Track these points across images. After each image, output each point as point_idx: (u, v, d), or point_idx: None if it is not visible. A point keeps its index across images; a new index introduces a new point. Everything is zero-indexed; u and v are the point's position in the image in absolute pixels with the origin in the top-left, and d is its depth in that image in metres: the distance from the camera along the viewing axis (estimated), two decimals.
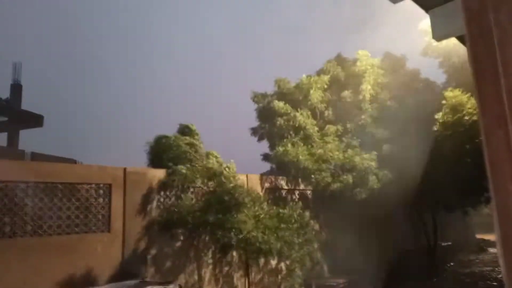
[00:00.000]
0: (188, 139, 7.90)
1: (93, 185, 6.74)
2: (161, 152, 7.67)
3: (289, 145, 10.11)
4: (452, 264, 14.41)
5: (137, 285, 5.81)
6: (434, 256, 13.43)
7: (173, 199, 7.63)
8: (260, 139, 12.31)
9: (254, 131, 12.24)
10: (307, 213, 8.77)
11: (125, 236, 6.86)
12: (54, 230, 6.20)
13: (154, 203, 7.41)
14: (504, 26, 0.91)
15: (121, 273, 6.58)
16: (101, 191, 6.83)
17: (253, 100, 12.13)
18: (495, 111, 0.92)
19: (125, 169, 7.13)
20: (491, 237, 22.00)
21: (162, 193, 7.56)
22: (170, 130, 8.42)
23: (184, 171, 7.28)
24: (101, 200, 6.79)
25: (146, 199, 7.29)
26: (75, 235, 6.37)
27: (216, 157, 8.03)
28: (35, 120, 24.41)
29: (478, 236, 21.83)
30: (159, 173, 7.50)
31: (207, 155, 8.01)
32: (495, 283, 11.20)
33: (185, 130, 8.30)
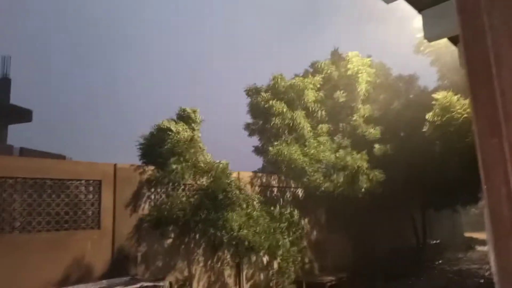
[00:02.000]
0: (185, 128, 7.54)
1: (83, 181, 6.68)
2: (153, 148, 7.52)
3: (283, 145, 10.09)
4: (440, 262, 14.60)
5: (127, 282, 5.78)
6: (423, 254, 13.61)
7: (164, 196, 7.59)
8: (251, 134, 12.29)
9: (246, 126, 12.22)
10: (297, 212, 8.80)
11: (115, 233, 6.81)
12: (43, 227, 6.13)
13: (145, 200, 7.36)
14: (497, 28, 0.92)
15: (111, 270, 6.54)
16: (91, 188, 6.76)
17: (247, 94, 12.12)
18: (489, 114, 0.93)
19: (115, 165, 7.07)
20: (478, 235, 22.35)
21: (153, 189, 7.51)
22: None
23: (174, 167, 7.13)
24: (90, 196, 6.73)
25: (137, 196, 7.24)
26: (64, 231, 6.30)
27: (202, 150, 7.78)
28: (24, 115, 24.09)
29: (466, 234, 22.16)
30: (150, 170, 7.45)
31: (198, 145, 7.72)
32: (482, 281, 11.37)
33: (184, 116, 7.82)
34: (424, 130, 9.69)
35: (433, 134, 9.65)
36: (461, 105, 9.09)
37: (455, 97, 9.23)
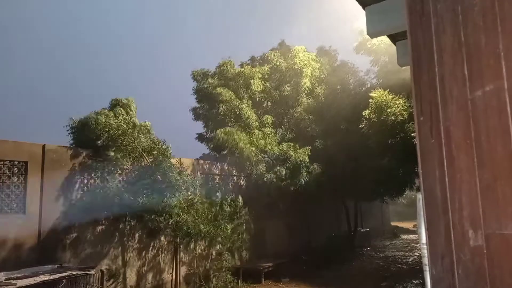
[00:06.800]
0: (122, 114, 7.21)
1: (7, 162, 6.10)
2: (88, 131, 7.04)
3: (233, 131, 10.02)
4: (369, 249, 15.59)
5: (54, 270, 5.41)
6: (353, 242, 14.43)
7: (98, 180, 7.19)
8: (196, 119, 12.11)
9: (193, 110, 12.08)
10: (239, 200, 8.84)
11: (42, 218, 6.33)
12: None
13: (77, 184, 6.92)
14: (441, 14, 0.94)
15: (38, 258, 6.09)
16: (16, 169, 6.20)
17: (193, 78, 11.89)
18: (428, 99, 0.95)
19: (44, 146, 6.54)
20: (403, 224, 24.26)
21: (86, 174, 7.08)
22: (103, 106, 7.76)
23: (111, 154, 6.81)
24: (15, 179, 6.18)
25: (68, 180, 6.78)
26: None
27: (149, 131, 7.52)
28: None
29: (393, 223, 23.90)
30: (84, 153, 7.00)
31: (140, 128, 7.43)
32: (405, 267, 12.35)
33: (118, 105, 7.51)
34: (361, 126, 10.10)
35: (369, 131, 10.10)
36: (396, 105, 9.54)
37: (390, 97, 9.67)
